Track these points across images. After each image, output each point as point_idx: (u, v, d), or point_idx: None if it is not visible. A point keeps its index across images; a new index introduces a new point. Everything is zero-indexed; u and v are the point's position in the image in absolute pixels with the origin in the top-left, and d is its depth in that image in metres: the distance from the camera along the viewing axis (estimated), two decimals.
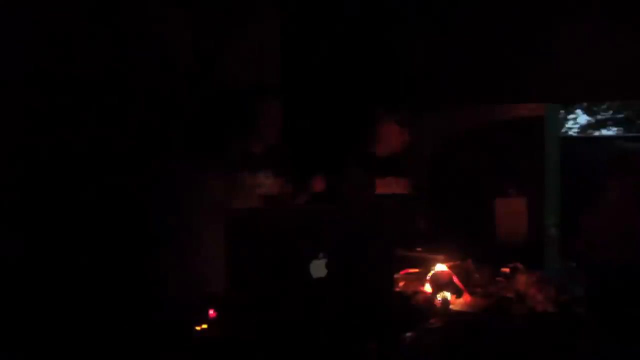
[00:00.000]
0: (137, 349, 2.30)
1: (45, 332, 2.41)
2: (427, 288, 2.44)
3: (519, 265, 2.64)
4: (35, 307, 2.49)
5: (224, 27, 3.63)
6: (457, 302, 2.36)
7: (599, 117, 12.84)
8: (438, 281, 2.42)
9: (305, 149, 3.57)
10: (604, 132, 12.47)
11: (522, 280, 2.50)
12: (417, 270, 2.69)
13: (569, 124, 13.13)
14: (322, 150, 3.67)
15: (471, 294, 2.45)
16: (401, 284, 2.56)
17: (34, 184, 2.67)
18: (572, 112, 13.08)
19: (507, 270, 2.67)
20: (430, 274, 2.49)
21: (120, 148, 3.04)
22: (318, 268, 1.71)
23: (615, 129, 12.43)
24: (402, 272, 2.68)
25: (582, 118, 13.13)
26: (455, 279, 2.44)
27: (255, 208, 2.53)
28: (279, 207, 2.53)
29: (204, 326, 2.02)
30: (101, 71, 3.00)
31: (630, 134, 11.44)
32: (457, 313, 2.27)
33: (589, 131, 12.72)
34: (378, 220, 1.95)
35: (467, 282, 2.49)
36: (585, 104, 12.45)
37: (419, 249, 2.88)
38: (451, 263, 2.61)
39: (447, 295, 2.33)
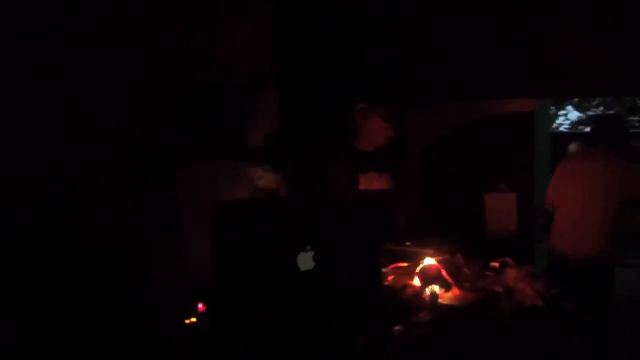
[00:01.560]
0: (127, 343, 2.29)
1: (38, 329, 2.39)
2: (416, 282, 2.44)
3: (509, 260, 2.65)
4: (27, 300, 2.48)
5: (216, 18, 3.61)
6: (445, 296, 2.36)
7: (589, 113, 12.91)
8: (427, 275, 2.42)
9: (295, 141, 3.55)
10: None
11: (511, 275, 2.51)
12: (406, 264, 2.69)
13: (560, 120, 13.19)
14: (307, 143, 3.65)
15: (460, 288, 2.45)
16: (390, 277, 2.56)
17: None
18: (563, 109, 13.14)
19: (496, 264, 2.68)
20: (419, 268, 2.49)
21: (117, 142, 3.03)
22: (305, 260, 1.70)
23: None
24: (391, 266, 2.68)
25: (573, 114, 13.20)
26: (444, 273, 2.45)
27: (242, 198, 2.52)
28: (267, 198, 2.52)
29: (193, 319, 2.02)
30: (96, 67, 2.98)
31: None
32: (446, 307, 2.27)
33: (580, 127, 12.79)
34: (366, 213, 1.94)
35: (456, 277, 2.50)
36: (576, 100, 12.50)
37: (408, 243, 2.88)
38: (440, 257, 2.61)
39: (436, 288, 2.33)
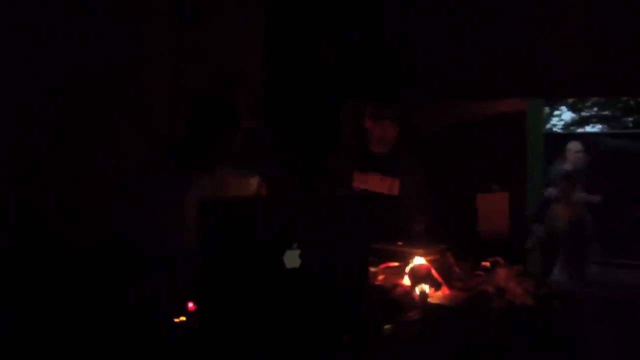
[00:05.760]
0: (116, 342, 2.28)
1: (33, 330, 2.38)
2: (406, 281, 2.44)
3: (500, 260, 2.66)
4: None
5: (206, 20, 3.61)
6: (435, 295, 2.36)
7: (583, 114, 12.96)
8: (416, 274, 2.42)
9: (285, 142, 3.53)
10: (588, 129, 12.60)
11: (502, 274, 2.51)
12: (397, 264, 2.69)
13: (554, 121, 13.23)
14: (303, 143, 3.64)
15: (450, 287, 2.45)
16: (380, 277, 2.56)
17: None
18: (557, 109, 13.18)
19: (487, 264, 2.68)
20: (408, 267, 2.49)
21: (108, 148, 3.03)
22: (292, 258, 1.70)
23: (599, 126, 12.56)
24: (381, 266, 2.68)
25: (567, 115, 13.25)
26: (433, 272, 2.44)
27: (228, 197, 2.49)
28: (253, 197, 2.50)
29: (183, 318, 2.01)
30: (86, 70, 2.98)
31: (615, 131, 11.57)
32: (436, 306, 2.27)
33: (573, 128, 12.84)
34: (354, 211, 1.94)
35: (447, 276, 2.49)
36: (570, 101, 12.55)
37: (399, 243, 2.87)
38: (431, 257, 2.61)
39: (426, 288, 2.33)
